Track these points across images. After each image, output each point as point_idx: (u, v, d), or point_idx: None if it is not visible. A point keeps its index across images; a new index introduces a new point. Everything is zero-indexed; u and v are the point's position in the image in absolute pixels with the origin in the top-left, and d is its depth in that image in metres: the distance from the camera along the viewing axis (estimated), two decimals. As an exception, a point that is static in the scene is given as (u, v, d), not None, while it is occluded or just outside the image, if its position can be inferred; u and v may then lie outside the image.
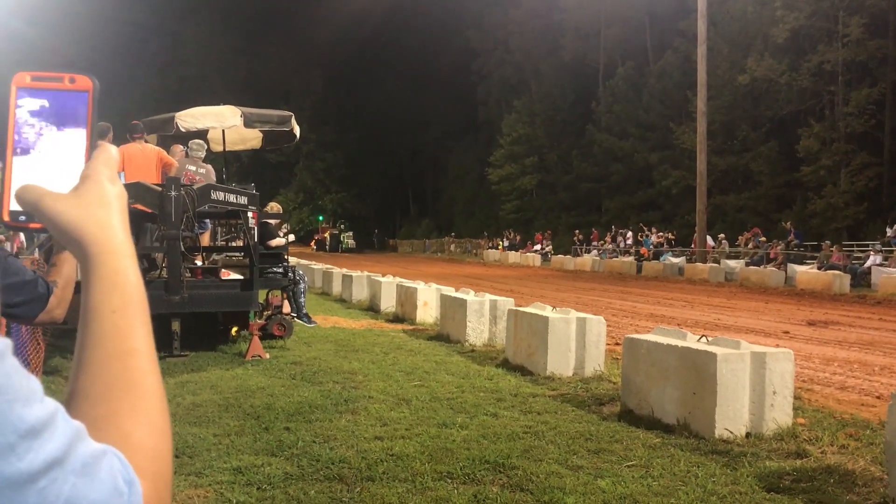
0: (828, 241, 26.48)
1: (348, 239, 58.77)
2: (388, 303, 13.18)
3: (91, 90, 0.74)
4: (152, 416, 0.66)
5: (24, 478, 0.49)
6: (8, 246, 8.82)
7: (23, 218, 0.73)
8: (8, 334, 2.01)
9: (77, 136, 0.74)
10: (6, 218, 0.73)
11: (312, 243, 60.90)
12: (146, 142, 10.38)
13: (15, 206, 0.72)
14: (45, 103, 0.74)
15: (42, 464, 0.50)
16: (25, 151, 0.73)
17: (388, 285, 13.49)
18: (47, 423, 0.52)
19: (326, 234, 59.27)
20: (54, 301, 1.95)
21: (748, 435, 5.13)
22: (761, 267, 25.21)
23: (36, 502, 0.50)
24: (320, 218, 69.64)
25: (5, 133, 0.73)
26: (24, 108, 0.73)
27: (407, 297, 12.23)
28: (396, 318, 12.19)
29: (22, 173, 0.72)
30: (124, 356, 0.67)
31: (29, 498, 0.50)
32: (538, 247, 42.14)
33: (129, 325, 0.69)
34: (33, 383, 0.53)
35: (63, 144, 0.74)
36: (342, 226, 62.49)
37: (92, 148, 0.74)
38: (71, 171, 0.73)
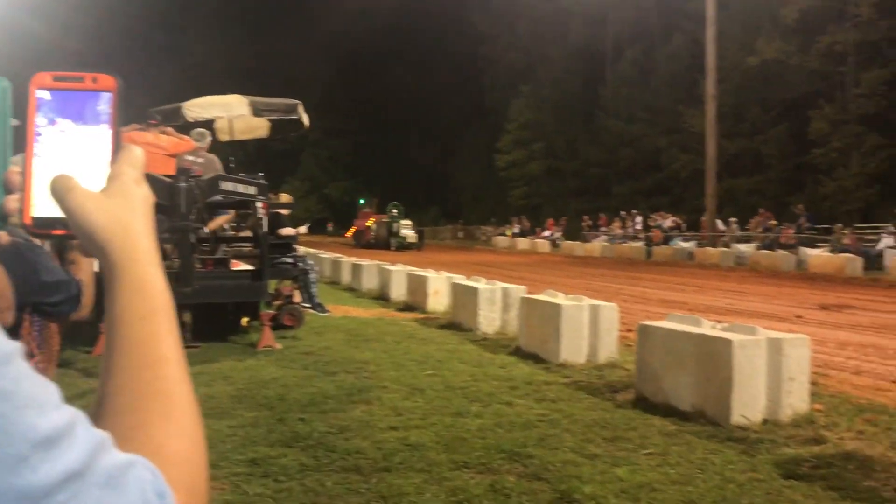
0: (840, 224, 26.34)
1: (405, 229, 38.26)
2: (398, 291, 13.16)
3: (115, 89, 0.72)
4: (185, 425, 0.64)
5: (39, 492, 0.46)
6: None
7: (45, 223, 0.71)
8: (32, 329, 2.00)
9: (101, 137, 0.72)
10: (28, 222, 0.71)
11: (350, 234, 45.60)
12: (163, 132, 10.31)
13: (37, 211, 0.71)
14: (67, 104, 0.72)
15: (60, 476, 0.47)
16: (46, 154, 0.71)
17: (398, 274, 13.46)
18: (64, 433, 0.49)
19: (370, 223, 40.67)
20: (84, 300, 1.94)
21: (765, 422, 5.09)
22: (772, 251, 25.10)
23: None
24: (362, 201, 50.23)
25: (25, 136, 0.71)
26: (45, 108, 0.71)
27: (417, 286, 12.21)
28: (407, 307, 12.17)
29: (43, 176, 0.70)
30: (154, 364, 0.65)
31: None
32: (548, 233, 41.99)
33: (158, 333, 0.67)
34: (48, 389, 0.50)
35: (86, 146, 0.72)
36: (395, 211, 38.75)
37: (117, 149, 0.72)
38: (95, 172, 0.70)
